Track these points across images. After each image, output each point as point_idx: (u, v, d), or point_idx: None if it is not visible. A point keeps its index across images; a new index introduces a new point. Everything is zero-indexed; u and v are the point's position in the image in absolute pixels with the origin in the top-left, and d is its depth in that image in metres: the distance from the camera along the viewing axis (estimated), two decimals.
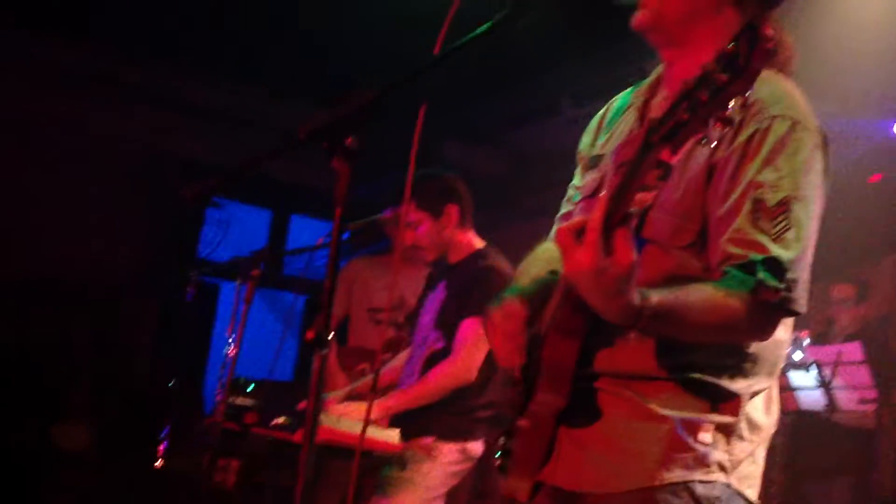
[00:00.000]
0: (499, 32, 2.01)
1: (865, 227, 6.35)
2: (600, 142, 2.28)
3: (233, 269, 4.45)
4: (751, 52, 1.45)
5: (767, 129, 1.89)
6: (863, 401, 5.27)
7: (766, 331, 1.91)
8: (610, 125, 2.28)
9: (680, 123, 1.55)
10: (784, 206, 1.85)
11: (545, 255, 2.33)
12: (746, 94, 1.49)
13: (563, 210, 2.41)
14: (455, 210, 4.00)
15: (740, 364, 1.97)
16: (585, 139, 2.37)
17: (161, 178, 7.74)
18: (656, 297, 1.75)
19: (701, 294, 1.83)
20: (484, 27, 1.99)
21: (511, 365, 2.12)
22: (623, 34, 2.15)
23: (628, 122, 2.20)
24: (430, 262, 4.12)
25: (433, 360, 3.91)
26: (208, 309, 7.78)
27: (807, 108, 1.96)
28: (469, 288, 3.89)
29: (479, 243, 4.08)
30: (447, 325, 3.91)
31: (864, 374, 5.22)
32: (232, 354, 3.98)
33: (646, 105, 2.18)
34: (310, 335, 1.81)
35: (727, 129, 1.81)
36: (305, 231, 8.81)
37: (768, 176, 1.86)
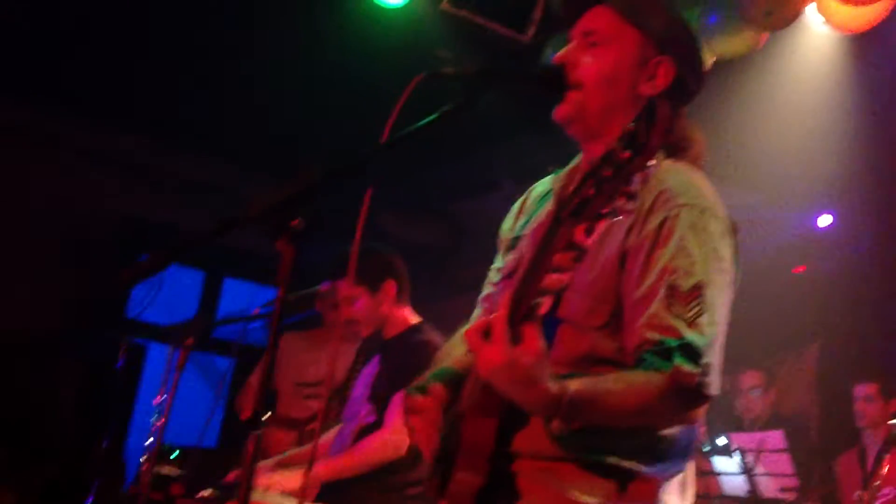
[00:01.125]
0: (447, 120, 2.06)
1: (788, 316, 6.52)
2: (520, 224, 2.35)
3: (165, 334, 4.40)
4: (649, 131, 1.57)
5: (677, 217, 1.95)
6: (783, 489, 5.36)
7: (683, 415, 1.95)
8: (530, 210, 2.36)
9: (587, 199, 1.63)
10: (697, 291, 1.90)
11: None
12: (647, 169, 1.59)
13: (485, 292, 2.45)
14: (392, 286, 4.02)
15: (656, 446, 2.00)
16: (506, 223, 2.44)
17: (89, 235, 7.62)
18: (575, 384, 1.79)
19: (619, 380, 1.87)
20: (431, 118, 2.04)
21: (427, 447, 2.11)
22: None
23: (548, 206, 2.26)
24: (365, 337, 4.12)
25: (364, 433, 3.88)
26: (135, 370, 7.61)
27: (715, 198, 2.05)
28: (403, 362, 3.89)
29: (414, 319, 4.11)
30: (379, 399, 3.90)
31: (785, 463, 5.31)
32: (160, 424, 3.90)
33: (564, 191, 2.24)
34: (246, 414, 1.79)
35: (638, 216, 1.95)
36: (238, 294, 8.72)
37: (681, 262, 1.91)
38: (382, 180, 2.15)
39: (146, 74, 6.27)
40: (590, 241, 1.76)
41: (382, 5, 4.97)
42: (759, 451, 5.31)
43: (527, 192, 2.45)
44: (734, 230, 2.06)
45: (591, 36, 2.15)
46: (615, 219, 1.67)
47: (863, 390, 5.62)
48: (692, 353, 1.86)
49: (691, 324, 1.88)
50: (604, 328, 1.98)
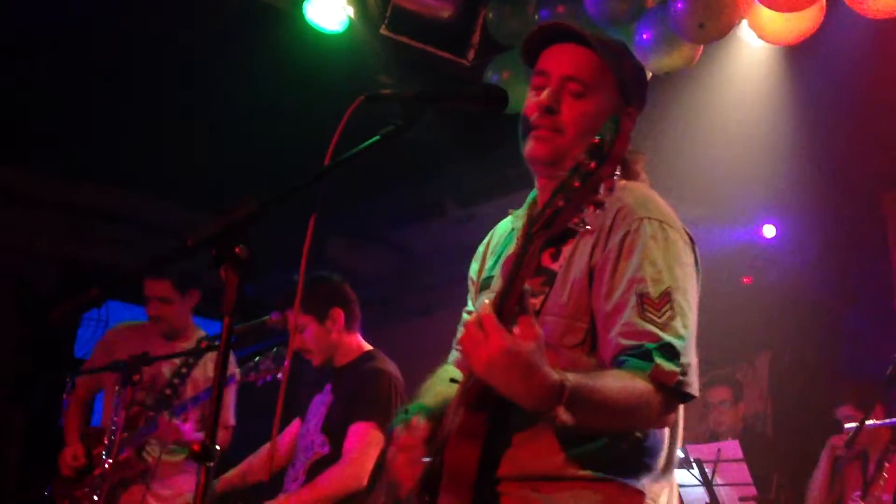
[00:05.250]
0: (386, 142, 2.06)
1: (739, 326, 6.59)
2: (489, 265, 2.36)
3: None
4: (613, 140, 1.62)
5: (637, 230, 2.01)
6: (743, 498, 5.39)
7: (667, 416, 1.97)
8: (496, 250, 2.37)
9: (557, 210, 1.67)
10: (667, 297, 1.95)
11: (446, 375, 2.34)
12: (613, 178, 1.63)
13: (460, 335, 2.43)
14: (340, 314, 4.00)
15: (641, 459, 2.01)
16: (474, 266, 2.44)
17: (32, 277, 7.51)
18: (573, 375, 1.79)
19: (611, 376, 1.90)
20: (372, 139, 2.03)
21: (409, 482, 2.08)
22: (507, 138, 2.22)
23: (512, 243, 2.27)
24: (317, 366, 4.08)
25: (319, 465, 3.85)
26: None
27: (670, 211, 2.10)
28: (356, 391, 3.88)
29: (365, 346, 4.09)
30: (333, 429, 3.87)
31: (743, 472, 5.34)
32: (108, 468, 3.79)
33: (526, 226, 2.25)
34: (196, 448, 1.75)
35: (600, 234, 1.99)
36: None
37: (647, 270, 1.96)
38: (328, 207, 2.12)
39: (78, 115, 6.20)
40: (557, 265, 1.78)
41: (322, 31, 4.95)
42: (716, 462, 5.34)
43: (489, 235, 2.46)
44: (692, 241, 2.11)
45: (575, 83, 2.14)
46: (581, 235, 1.75)
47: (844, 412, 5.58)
48: (671, 353, 1.91)
49: (665, 327, 1.92)
50: (580, 346, 2.01)
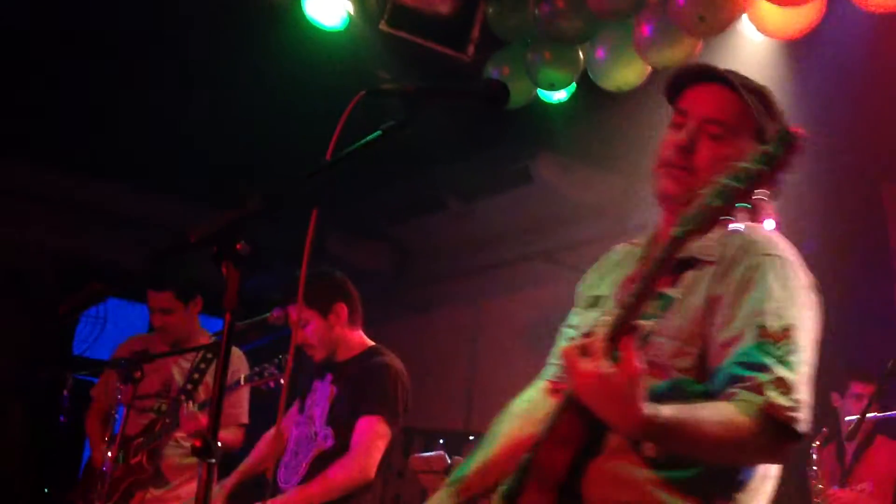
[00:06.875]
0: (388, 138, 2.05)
1: None
2: (605, 284, 2.35)
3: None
4: (782, 150, 1.67)
5: (760, 266, 2.01)
6: None
7: (773, 452, 1.94)
8: (609, 271, 2.37)
9: (713, 209, 1.71)
10: (787, 333, 1.94)
11: (521, 406, 2.38)
12: (776, 181, 1.68)
13: (559, 349, 2.43)
14: (344, 308, 4.01)
15: (736, 496, 1.99)
16: (585, 281, 2.46)
17: (32, 273, 7.51)
18: (668, 409, 1.79)
19: (711, 410, 1.87)
20: (374, 135, 2.03)
21: None
22: (508, 135, 2.20)
23: (628, 267, 2.29)
24: (319, 361, 4.08)
25: (323, 458, 3.86)
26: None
27: (794, 253, 2.11)
28: (362, 385, 3.89)
29: (369, 342, 4.10)
30: (339, 423, 3.88)
31: None
32: (110, 466, 3.80)
33: (646, 255, 2.26)
34: (197, 443, 1.75)
35: (720, 265, 2.01)
36: None
37: (769, 305, 1.96)
38: (328, 202, 2.11)
39: (82, 111, 6.20)
40: (674, 291, 1.84)
41: (321, 27, 4.95)
42: None
43: (605, 257, 2.47)
44: (813, 284, 2.10)
45: (715, 125, 2.13)
46: (701, 266, 1.82)
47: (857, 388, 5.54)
48: (785, 388, 1.88)
49: (782, 361, 1.91)
50: (689, 370, 2.00)
